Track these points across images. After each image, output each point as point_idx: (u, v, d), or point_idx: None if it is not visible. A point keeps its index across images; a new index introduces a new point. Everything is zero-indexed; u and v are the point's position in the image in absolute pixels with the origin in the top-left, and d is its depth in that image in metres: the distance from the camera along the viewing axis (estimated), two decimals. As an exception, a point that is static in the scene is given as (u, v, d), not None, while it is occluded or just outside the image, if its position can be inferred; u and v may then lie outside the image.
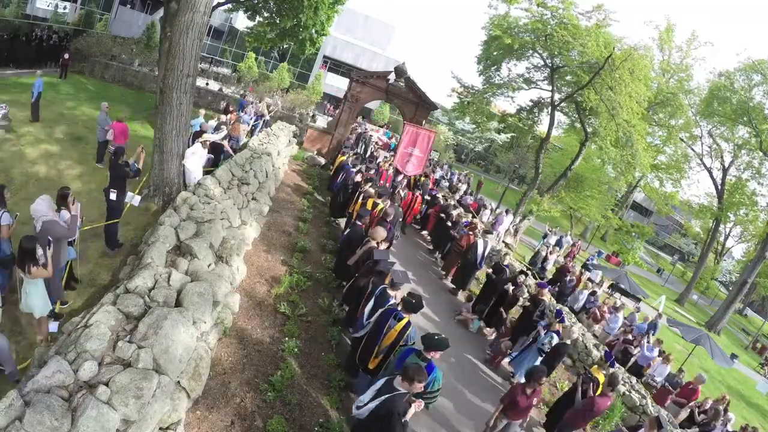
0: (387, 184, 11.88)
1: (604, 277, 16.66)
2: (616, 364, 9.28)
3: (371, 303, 5.26)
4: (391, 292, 5.34)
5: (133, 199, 7.25)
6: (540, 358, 7.10)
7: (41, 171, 9.16)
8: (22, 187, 8.22)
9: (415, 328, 5.00)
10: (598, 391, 5.86)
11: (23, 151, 9.82)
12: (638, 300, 17.58)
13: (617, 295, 16.06)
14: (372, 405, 3.56)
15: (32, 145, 10.26)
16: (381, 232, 6.84)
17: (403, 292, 5.87)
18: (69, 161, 10.00)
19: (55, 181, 8.67)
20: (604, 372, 6.39)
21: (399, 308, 5.08)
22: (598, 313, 11.50)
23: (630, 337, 10.54)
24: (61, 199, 5.29)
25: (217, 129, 10.62)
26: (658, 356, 10.14)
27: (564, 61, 18.67)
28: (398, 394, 3.53)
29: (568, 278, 12.42)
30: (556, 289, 12.04)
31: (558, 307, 9.27)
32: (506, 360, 7.98)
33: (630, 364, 10.04)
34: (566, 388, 7.43)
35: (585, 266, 17.95)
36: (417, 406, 3.59)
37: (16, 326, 5.23)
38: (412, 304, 5.01)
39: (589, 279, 14.13)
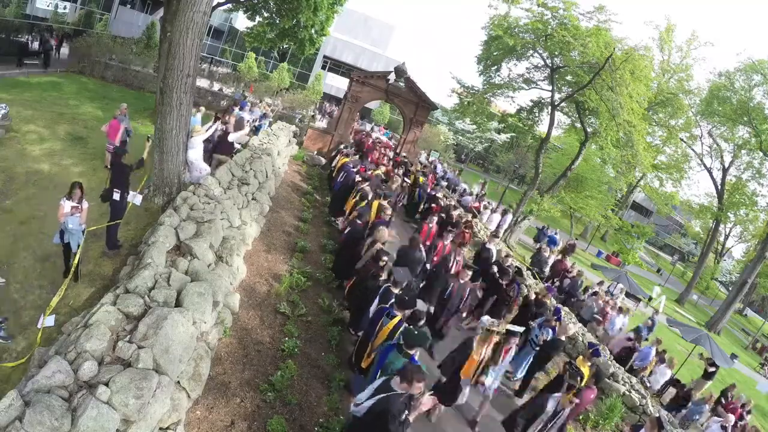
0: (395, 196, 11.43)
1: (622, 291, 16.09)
2: (617, 364, 9.28)
3: (376, 302, 5.25)
4: (394, 290, 5.34)
5: (134, 198, 7.23)
6: (532, 354, 7.07)
7: (42, 170, 9.15)
8: (23, 187, 8.23)
9: (407, 327, 4.92)
10: (583, 384, 5.83)
11: (24, 151, 9.81)
12: (638, 300, 17.57)
13: (623, 296, 16.00)
14: (369, 403, 3.56)
15: (33, 144, 10.25)
16: (384, 234, 6.82)
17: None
18: (70, 160, 9.99)
19: (56, 181, 8.67)
20: (590, 364, 6.39)
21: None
22: (602, 313, 11.48)
23: (631, 335, 10.54)
24: (70, 189, 5.98)
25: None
26: (656, 356, 10.12)
27: (564, 62, 18.64)
28: (395, 394, 3.52)
29: (570, 279, 12.38)
30: (555, 289, 12.00)
31: (556, 306, 9.24)
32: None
33: (630, 364, 10.04)
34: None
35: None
36: (431, 401, 3.54)
37: (16, 326, 5.23)
38: (405, 300, 4.99)
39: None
